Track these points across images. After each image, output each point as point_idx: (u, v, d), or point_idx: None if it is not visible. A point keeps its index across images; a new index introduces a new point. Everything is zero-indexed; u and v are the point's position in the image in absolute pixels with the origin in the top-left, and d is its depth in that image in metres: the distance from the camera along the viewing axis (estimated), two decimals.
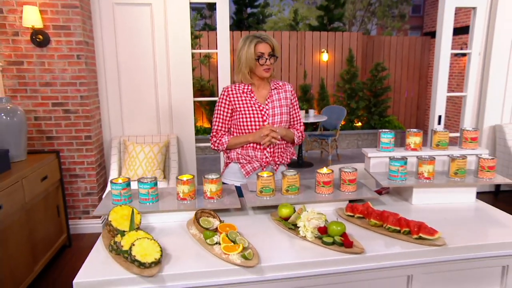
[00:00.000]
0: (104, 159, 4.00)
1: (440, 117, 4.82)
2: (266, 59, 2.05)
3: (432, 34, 9.42)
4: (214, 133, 2.19)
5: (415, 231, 1.46)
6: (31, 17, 3.16)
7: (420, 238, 1.45)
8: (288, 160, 2.27)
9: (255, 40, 2.03)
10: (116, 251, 1.32)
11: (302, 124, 2.33)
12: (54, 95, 3.50)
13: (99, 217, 3.81)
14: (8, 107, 2.89)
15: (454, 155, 1.89)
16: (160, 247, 1.29)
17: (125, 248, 1.27)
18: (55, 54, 3.42)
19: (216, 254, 1.34)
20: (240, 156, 2.16)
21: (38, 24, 3.23)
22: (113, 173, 3.75)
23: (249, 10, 9.50)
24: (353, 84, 7.94)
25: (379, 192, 2.02)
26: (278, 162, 2.20)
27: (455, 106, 8.27)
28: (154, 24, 3.81)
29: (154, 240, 1.31)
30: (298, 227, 1.49)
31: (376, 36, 9.59)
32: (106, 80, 3.85)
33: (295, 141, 2.27)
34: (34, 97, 3.47)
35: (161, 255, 1.27)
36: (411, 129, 2.03)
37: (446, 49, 4.62)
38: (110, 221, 1.44)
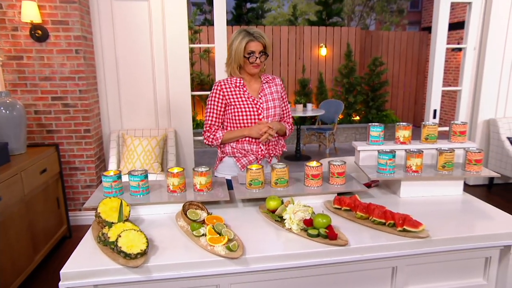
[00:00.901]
0: (103, 153, 4.00)
1: (435, 111, 4.79)
2: (257, 57, 2.01)
3: (430, 29, 9.36)
4: (208, 128, 2.16)
5: (400, 223, 1.45)
6: (30, 12, 3.14)
7: (404, 230, 1.44)
8: (280, 152, 2.27)
9: (247, 38, 1.99)
10: (104, 242, 1.32)
11: (291, 116, 2.34)
12: (54, 89, 3.49)
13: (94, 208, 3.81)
14: (8, 101, 2.89)
15: (442, 149, 1.88)
16: (147, 239, 1.29)
17: (112, 239, 1.27)
18: (54, 49, 3.41)
19: (202, 245, 1.34)
20: (235, 150, 2.15)
21: (37, 19, 3.22)
22: (111, 166, 3.75)
23: (248, 5, 9.43)
24: (351, 79, 7.90)
25: (369, 185, 2.01)
26: (272, 155, 2.20)
27: (451, 101, 8.22)
28: (152, 19, 3.78)
29: (141, 231, 1.31)
30: (284, 220, 1.48)
31: (374, 31, 9.51)
32: (104, 75, 3.84)
33: (287, 134, 2.28)
34: (34, 91, 3.46)
35: (147, 247, 1.27)
36: (401, 123, 2.01)
37: (441, 44, 4.57)
38: (99, 212, 1.43)
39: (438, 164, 1.87)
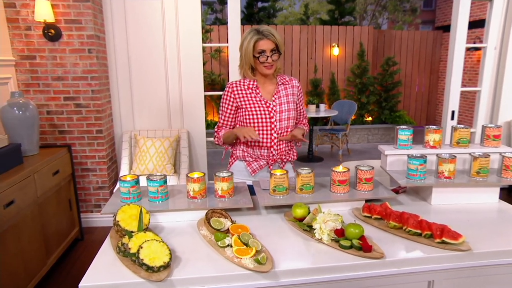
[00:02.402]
0: (115, 153, 3.95)
1: (453, 112, 4.67)
2: (268, 56, 1.91)
3: (445, 28, 9.17)
4: (217, 129, 2.13)
5: (438, 234, 1.36)
6: (43, 11, 3.09)
7: (443, 242, 1.34)
8: (295, 157, 2.17)
9: (256, 37, 1.89)
10: (124, 253, 1.24)
11: (307, 117, 2.26)
12: (66, 89, 3.44)
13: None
14: (21, 102, 2.84)
15: (476, 154, 1.77)
16: (169, 250, 1.21)
17: (133, 250, 1.19)
18: (67, 48, 3.35)
19: (228, 257, 1.25)
20: (246, 154, 2.07)
21: (50, 18, 3.16)
22: (124, 167, 3.69)
23: (259, 4, 9.33)
24: (364, 79, 7.77)
25: (396, 191, 1.91)
26: (285, 160, 2.10)
27: (466, 101, 8.04)
28: (165, 18, 3.71)
29: (163, 242, 1.23)
30: (314, 229, 1.39)
31: (387, 30, 9.36)
32: (117, 74, 3.78)
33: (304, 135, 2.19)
34: (47, 92, 3.41)
35: (170, 259, 1.19)
36: (430, 126, 1.91)
37: (461, 43, 4.44)
38: (118, 221, 1.36)
39: (472, 170, 1.77)
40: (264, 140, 2.01)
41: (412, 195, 1.91)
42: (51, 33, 3.26)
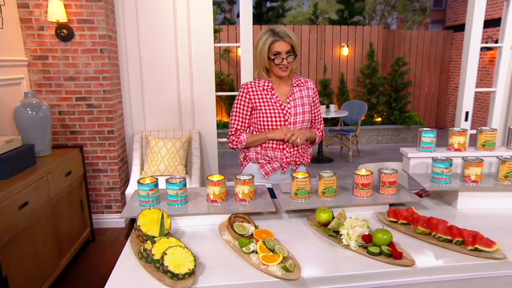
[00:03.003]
0: (126, 154, 3.92)
1: (467, 113, 4.59)
2: (283, 58, 1.86)
3: (455, 28, 9.06)
4: (233, 132, 2.05)
5: (470, 241, 1.30)
6: (56, 11, 3.07)
7: (476, 249, 1.29)
8: (309, 160, 2.11)
9: (271, 38, 1.84)
10: (146, 259, 1.20)
11: (322, 122, 2.18)
12: (78, 89, 3.43)
13: (121, 211, 3.74)
14: (34, 102, 2.82)
15: (504, 157, 1.72)
16: (194, 256, 1.17)
17: (157, 257, 1.16)
18: (79, 49, 3.34)
19: (254, 264, 1.21)
20: (259, 156, 2.02)
21: (63, 18, 3.14)
22: (135, 168, 3.67)
23: (268, 4, 9.28)
24: (374, 79, 7.69)
25: (419, 195, 1.86)
26: (299, 162, 2.05)
27: (477, 102, 7.94)
28: (176, 17, 3.68)
29: (187, 248, 1.19)
30: (340, 235, 1.34)
31: (396, 30, 9.27)
32: (128, 74, 3.76)
33: (316, 141, 2.13)
34: (58, 92, 3.40)
35: (195, 265, 1.15)
36: (455, 128, 1.86)
37: (475, 43, 4.36)
38: (139, 226, 1.32)
39: (500, 174, 1.71)
40: (278, 142, 1.97)
41: (436, 198, 1.86)
42: (64, 33, 3.24)
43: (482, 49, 7.86)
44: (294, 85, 2.01)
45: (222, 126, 7.24)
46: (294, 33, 1.93)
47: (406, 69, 7.94)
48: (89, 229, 3.40)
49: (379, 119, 7.94)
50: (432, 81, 8.99)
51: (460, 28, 8.85)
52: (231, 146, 2.07)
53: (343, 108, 7.01)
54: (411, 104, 8.63)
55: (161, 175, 3.61)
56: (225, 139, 4.40)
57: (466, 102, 4.55)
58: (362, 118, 6.84)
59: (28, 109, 2.78)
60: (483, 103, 7.83)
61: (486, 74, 7.82)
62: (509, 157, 1.71)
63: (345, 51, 7.86)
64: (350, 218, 1.34)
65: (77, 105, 3.45)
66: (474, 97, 4.50)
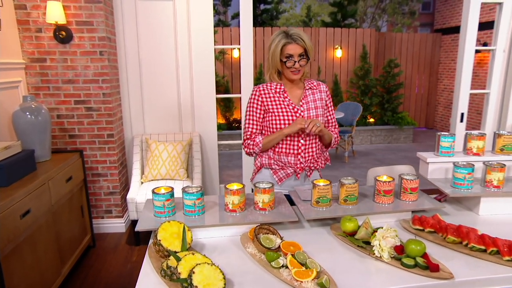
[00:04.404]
0: (126, 158, 3.79)
1: (462, 114, 4.57)
2: (295, 61, 1.78)
3: (443, 31, 9.11)
4: (248, 135, 1.92)
5: (506, 251, 1.23)
6: (55, 13, 2.93)
7: None
8: (323, 165, 2.00)
9: (284, 41, 1.77)
10: (171, 277, 1.10)
11: (337, 126, 2.07)
12: (77, 92, 3.28)
13: (121, 216, 3.61)
14: (33, 106, 2.68)
15: None
16: (223, 274, 1.07)
17: (183, 276, 1.05)
18: (78, 51, 3.20)
19: (285, 280, 1.12)
20: (272, 161, 1.92)
21: (62, 20, 3.00)
22: (135, 172, 3.53)
23: (262, 6, 9.20)
24: (367, 80, 7.66)
25: (438, 200, 1.79)
26: (313, 168, 1.95)
27: (470, 104, 7.97)
28: (176, 19, 3.56)
29: (215, 265, 1.09)
30: (372, 246, 1.26)
31: (387, 32, 9.28)
32: (127, 77, 3.63)
33: (332, 143, 2.00)
34: (57, 95, 3.25)
35: (225, 284, 1.05)
36: (473, 132, 1.79)
37: (470, 46, 4.34)
38: (160, 240, 1.21)
39: None
40: (291, 147, 1.88)
41: (454, 204, 1.79)
42: (62, 35, 3.10)
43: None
44: (307, 88, 1.93)
45: (218, 128, 7.11)
46: (308, 36, 1.84)
47: (398, 71, 7.94)
48: (89, 235, 3.26)
49: (372, 120, 7.92)
50: (422, 82, 9.01)
51: (448, 31, 8.90)
52: (248, 151, 1.94)
53: (338, 109, 6.96)
54: (402, 105, 8.64)
55: (162, 179, 3.49)
56: (224, 142, 4.32)
57: (462, 104, 4.52)
58: (356, 119, 6.79)
59: (28, 113, 2.63)
60: (471, 104, 7.85)
61: (475, 76, 7.86)
62: None
63: (338, 53, 7.82)
64: (382, 228, 1.26)
65: (76, 108, 3.31)
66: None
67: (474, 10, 4.25)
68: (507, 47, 4.46)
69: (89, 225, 3.28)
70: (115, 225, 3.59)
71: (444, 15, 9.28)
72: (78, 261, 3.04)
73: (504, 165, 1.62)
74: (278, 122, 1.86)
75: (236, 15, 9.92)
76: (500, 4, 4.35)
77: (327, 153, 2.05)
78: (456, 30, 8.54)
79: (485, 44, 7.58)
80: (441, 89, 9.06)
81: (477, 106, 7.61)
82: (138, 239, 3.32)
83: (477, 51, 7.88)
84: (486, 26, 7.39)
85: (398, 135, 7.79)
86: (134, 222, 3.26)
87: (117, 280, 2.81)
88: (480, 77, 7.58)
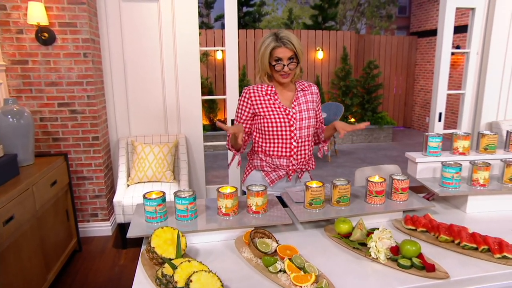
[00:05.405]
0: (111, 160, 3.68)
1: (440, 114, 4.65)
2: (284, 65, 1.72)
3: (419, 34, 9.28)
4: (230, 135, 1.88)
5: (496, 249, 1.23)
6: (36, 14, 2.80)
7: (504, 257, 1.21)
8: (313, 166, 1.98)
9: (273, 44, 1.71)
10: (166, 285, 1.04)
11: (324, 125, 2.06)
12: (60, 95, 3.16)
13: (108, 219, 3.50)
14: (15, 109, 2.55)
15: (508, 160, 1.67)
16: (221, 282, 1.02)
17: (180, 284, 1.00)
18: (61, 53, 3.07)
19: (284, 285, 1.08)
20: (265, 163, 1.88)
21: (44, 21, 2.88)
22: (121, 175, 3.43)
23: (244, 9, 9.14)
24: (347, 81, 7.72)
25: (426, 199, 1.78)
26: (304, 169, 1.93)
27: (447, 104, 8.14)
28: (161, 21, 3.47)
29: (213, 272, 1.04)
30: (368, 248, 1.23)
31: (366, 35, 9.38)
32: (112, 79, 3.52)
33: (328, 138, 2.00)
34: (40, 98, 3.12)
35: None
36: (458, 132, 1.80)
37: (447, 48, 4.43)
38: (154, 247, 1.15)
39: (505, 177, 1.66)
40: (284, 150, 1.84)
41: (442, 202, 1.79)
42: (45, 36, 2.97)
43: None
44: (298, 89, 1.89)
45: (203, 129, 7.02)
46: (298, 39, 1.79)
47: (377, 72, 8.03)
48: (75, 239, 3.14)
49: (353, 119, 7.99)
50: (399, 83, 9.16)
51: (424, 34, 9.07)
52: (228, 147, 1.91)
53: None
54: (381, 105, 8.75)
55: (148, 181, 3.40)
56: (208, 143, 4.24)
57: (440, 104, 4.60)
58: (338, 119, 6.83)
59: (9, 116, 2.51)
60: (446, 104, 8.02)
61: (449, 77, 8.03)
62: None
63: (320, 54, 7.84)
64: (377, 229, 1.23)
65: (60, 111, 3.18)
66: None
67: (450, 14, 4.32)
68: (479, 49, 4.57)
69: (75, 229, 3.16)
70: (101, 229, 3.48)
71: (420, 19, 9.46)
72: (64, 266, 2.92)
73: (489, 164, 1.63)
74: (270, 124, 1.81)
75: (219, 17, 9.83)
76: (473, 9, 4.45)
77: (326, 146, 2.03)
78: (430, 33, 8.72)
79: (458, 47, 7.75)
80: (417, 89, 9.22)
81: (451, 106, 7.77)
82: (125, 242, 3.22)
83: (452, 54, 8.07)
84: (459, 30, 7.56)
85: (378, 135, 7.88)
86: (120, 225, 3.16)
87: (105, 284, 2.71)
88: (454, 78, 7.75)
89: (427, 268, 1.14)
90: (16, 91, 3.05)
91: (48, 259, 2.58)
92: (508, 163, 1.65)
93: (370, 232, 1.29)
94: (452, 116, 7.82)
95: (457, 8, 4.37)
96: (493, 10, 4.38)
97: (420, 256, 1.19)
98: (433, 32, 8.57)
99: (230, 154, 3.81)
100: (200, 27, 9.03)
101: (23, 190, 2.24)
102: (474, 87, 4.72)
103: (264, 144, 1.86)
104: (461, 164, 1.62)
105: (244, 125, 1.88)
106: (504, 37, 4.45)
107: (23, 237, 2.23)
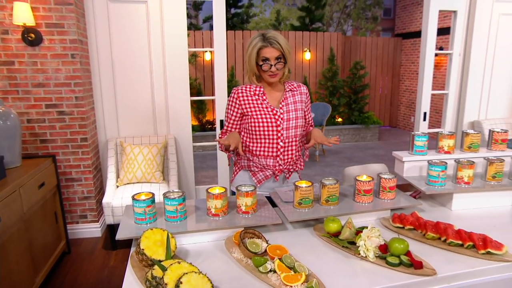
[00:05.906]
0: (100, 162, 3.62)
1: (425, 113, 4.71)
2: (271, 65, 1.72)
3: (403, 36, 9.39)
4: (221, 135, 1.89)
5: (481, 245, 1.24)
6: (22, 14, 2.74)
7: (489, 253, 1.23)
8: (302, 167, 1.97)
9: (260, 44, 1.70)
10: (156, 287, 1.02)
11: (313, 125, 2.05)
12: (48, 96, 3.09)
13: (97, 220, 3.44)
14: (1, 110, 2.48)
15: (491, 158, 1.69)
16: (211, 283, 1.00)
17: (170, 286, 0.98)
18: (48, 54, 3.01)
19: (274, 285, 1.07)
20: (251, 163, 1.87)
21: (30, 22, 2.81)
22: (110, 176, 3.38)
23: (233, 11, 9.12)
24: (335, 82, 7.76)
25: (413, 197, 1.79)
26: (292, 170, 1.91)
27: (431, 103, 8.24)
28: (149, 22, 3.43)
29: (203, 274, 1.02)
30: (357, 246, 1.23)
31: (353, 36, 9.45)
32: (100, 80, 3.46)
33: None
34: (27, 99, 3.05)
35: None
36: (443, 131, 1.81)
37: (430, 49, 4.49)
38: (143, 249, 1.13)
39: (488, 174, 1.68)
40: (270, 149, 1.83)
41: (428, 200, 1.80)
42: (31, 37, 2.90)
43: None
44: (287, 90, 1.88)
45: (192, 129, 6.98)
46: (285, 39, 1.79)
47: (363, 73, 8.10)
48: (64, 241, 3.08)
49: (340, 119, 8.04)
50: (385, 83, 9.25)
51: (408, 35, 9.18)
52: (219, 148, 1.92)
53: None
54: (368, 105, 8.83)
55: (138, 182, 3.36)
56: (197, 143, 4.21)
57: (424, 104, 4.65)
58: (326, 119, 6.86)
59: None
60: (434, 105, 8.13)
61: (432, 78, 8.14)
62: (493, 158, 1.69)
63: (307, 55, 7.87)
64: (366, 228, 1.23)
65: (47, 112, 3.11)
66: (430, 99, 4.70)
67: (433, 17, 4.38)
68: (462, 51, 4.64)
69: (64, 231, 3.10)
70: (90, 230, 3.42)
71: (404, 21, 9.57)
72: (53, 268, 2.86)
73: (473, 162, 1.64)
74: (257, 124, 1.80)
75: (208, 19, 9.78)
76: (455, 12, 4.51)
77: (308, 151, 2.02)
78: (415, 35, 8.83)
79: (441, 48, 7.86)
80: (402, 89, 9.33)
81: (435, 105, 7.88)
82: (115, 243, 3.17)
83: (436, 55, 8.19)
84: (442, 32, 7.67)
85: (365, 134, 7.94)
86: (110, 226, 3.11)
87: (95, 286, 2.67)
88: (437, 79, 7.86)
89: (415, 265, 1.15)
90: (2, 92, 2.97)
91: (37, 261, 2.53)
92: (490, 161, 1.67)
93: (359, 231, 1.30)
94: (436, 115, 7.93)
95: (440, 11, 4.43)
96: (474, 13, 4.46)
97: (408, 253, 1.20)
98: (417, 34, 8.68)
99: (220, 154, 3.79)
100: (189, 28, 8.97)
101: (9, 192, 2.18)
102: (457, 87, 4.79)
103: (251, 144, 1.85)
104: (446, 163, 1.63)
105: (232, 123, 1.87)
106: (484, 39, 4.54)
107: (10, 240, 2.17)
